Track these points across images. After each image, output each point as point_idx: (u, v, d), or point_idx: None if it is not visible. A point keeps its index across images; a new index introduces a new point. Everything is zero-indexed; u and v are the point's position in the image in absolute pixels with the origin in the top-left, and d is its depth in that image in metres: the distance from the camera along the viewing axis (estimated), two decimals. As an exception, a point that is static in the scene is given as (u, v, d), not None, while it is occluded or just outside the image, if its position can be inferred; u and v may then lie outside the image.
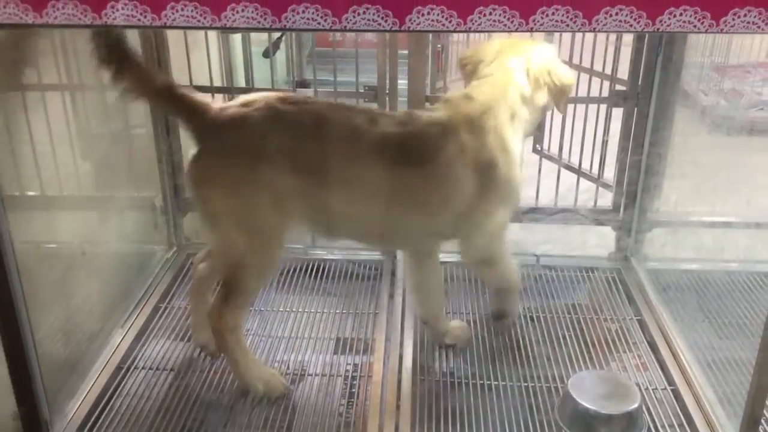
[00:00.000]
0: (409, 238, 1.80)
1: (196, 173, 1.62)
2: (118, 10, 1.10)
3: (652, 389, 1.80)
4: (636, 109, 2.20)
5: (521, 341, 1.98)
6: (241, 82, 2.69)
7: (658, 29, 1.09)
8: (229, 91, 2.77)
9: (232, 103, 1.66)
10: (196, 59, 2.28)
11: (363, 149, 1.60)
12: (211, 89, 2.33)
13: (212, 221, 1.64)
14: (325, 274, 2.32)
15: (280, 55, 3.30)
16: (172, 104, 1.64)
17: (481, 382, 1.82)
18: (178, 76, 2.25)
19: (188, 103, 1.61)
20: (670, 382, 1.83)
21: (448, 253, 2.42)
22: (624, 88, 2.22)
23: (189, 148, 2.30)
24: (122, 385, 1.82)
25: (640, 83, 2.18)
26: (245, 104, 1.61)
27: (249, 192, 1.59)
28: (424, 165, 1.62)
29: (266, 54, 2.68)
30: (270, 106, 1.60)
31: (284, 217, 1.63)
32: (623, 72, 2.24)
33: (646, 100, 2.18)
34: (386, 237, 1.80)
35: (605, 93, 2.25)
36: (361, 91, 2.27)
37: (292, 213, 1.63)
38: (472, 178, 1.64)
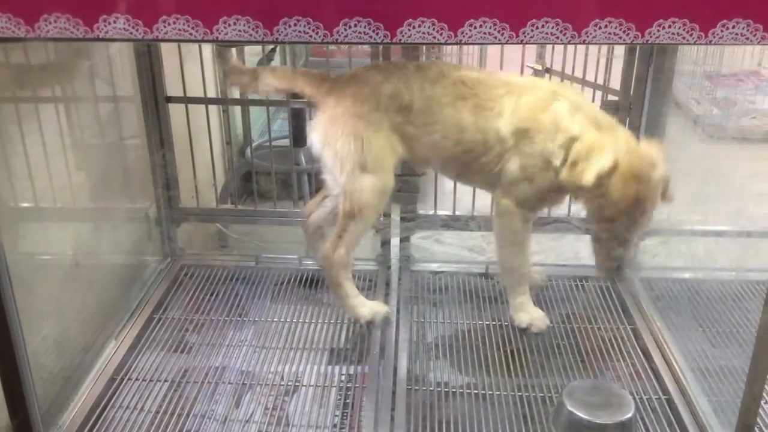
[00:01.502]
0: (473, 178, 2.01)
1: (324, 129, 1.89)
2: (110, 23, 1.11)
3: (646, 398, 1.81)
4: (628, 119, 2.21)
5: (515, 351, 1.98)
6: (235, 93, 2.69)
7: (647, 41, 1.10)
8: (224, 102, 2.78)
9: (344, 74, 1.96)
10: (190, 70, 2.29)
11: (444, 95, 1.86)
12: (204, 100, 2.34)
13: (339, 168, 1.88)
14: (319, 285, 2.32)
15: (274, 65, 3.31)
16: (299, 80, 1.96)
17: (476, 392, 1.82)
18: (172, 88, 2.26)
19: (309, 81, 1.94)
20: (664, 390, 1.83)
21: (445, 263, 2.44)
22: (616, 98, 2.23)
23: (183, 159, 2.34)
24: (115, 396, 1.81)
25: (631, 94, 2.19)
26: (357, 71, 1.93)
27: (369, 134, 1.85)
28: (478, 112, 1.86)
29: (260, 63, 2.69)
30: (376, 66, 1.95)
31: (394, 154, 1.89)
32: (615, 81, 2.25)
33: (638, 110, 2.19)
34: (459, 174, 2.02)
35: (597, 103, 2.26)
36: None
37: (398, 149, 1.90)
38: (515, 144, 1.84)
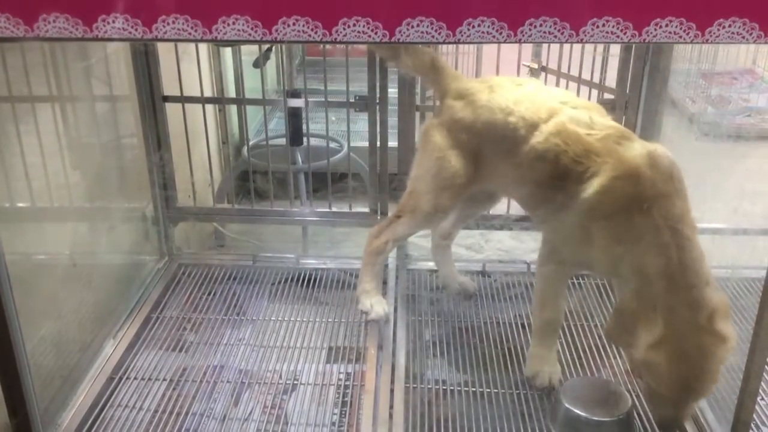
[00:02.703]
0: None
1: (424, 129, 1.95)
2: (109, 23, 1.11)
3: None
4: (624, 118, 2.22)
5: (513, 348, 1.99)
6: (231, 92, 2.70)
7: (644, 40, 1.10)
8: (220, 101, 2.78)
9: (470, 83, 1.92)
10: (187, 70, 2.29)
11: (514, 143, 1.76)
12: (201, 100, 2.34)
13: (415, 167, 1.96)
14: (317, 283, 2.32)
15: (270, 65, 3.32)
16: (434, 73, 1.93)
17: (473, 389, 1.83)
18: (169, 87, 2.26)
19: (447, 73, 1.94)
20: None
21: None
22: (612, 97, 2.24)
23: (179, 158, 2.34)
24: (114, 395, 1.81)
25: (627, 93, 2.20)
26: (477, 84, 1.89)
27: (450, 153, 1.85)
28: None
29: (256, 64, 2.69)
30: (490, 83, 1.85)
31: (466, 179, 1.85)
32: (611, 79, 2.26)
33: (634, 109, 2.20)
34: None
35: (593, 101, 2.27)
36: (352, 101, 2.28)
37: (475, 177, 1.86)
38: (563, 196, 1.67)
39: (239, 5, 1.09)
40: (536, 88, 1.85)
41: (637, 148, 1.61)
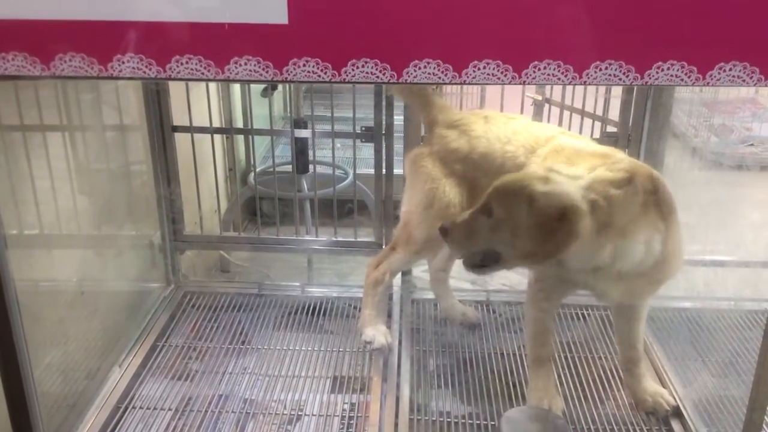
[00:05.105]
0: None
1: (414, 156, 1.98)
2: (124, 63, 1.13)
3: (647, 429, 1.82)
4: (626, 151, 2.23)
5: (517, 380, 1.99)
6: (239, 120, 2.72)
7: (646, 83, 1.12)
8: (228, 132, 2.81)
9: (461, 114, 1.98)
10: (196, 99, 2.32)
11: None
12: (210, 130, 2.36)
13: (408, 197, 2.00)
14: (322, 313, 2.33)
15: (278, 93, 3.35)
16: (422, 101, 2.00)
17: (478, 422, 1.83)
18: (178, 117, 2.28)
19: (435, 104, 1.98)
20: (665, 420, 1.84)
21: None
22: (615, 129, 2.26)
23: (187, 186, 2.36)
24: (120, 424, 1.82)
25: (630, 130, 2.22)
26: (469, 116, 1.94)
27: (445, 183, 1.88)
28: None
29: (264, 93, 2.73)
30: (485, 115, 1.91)
31: (460, 209, 1.85)
32: (614, 110, 2.28)
33: (636, 143, 2.22)
34: None
35: (596, 134, 2.29)
36: (359, 131, 2.31)
37: (471, 206, 1.80)
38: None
39: (251, 47, 1.12)
40: (528, 122, 1.91)
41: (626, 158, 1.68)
